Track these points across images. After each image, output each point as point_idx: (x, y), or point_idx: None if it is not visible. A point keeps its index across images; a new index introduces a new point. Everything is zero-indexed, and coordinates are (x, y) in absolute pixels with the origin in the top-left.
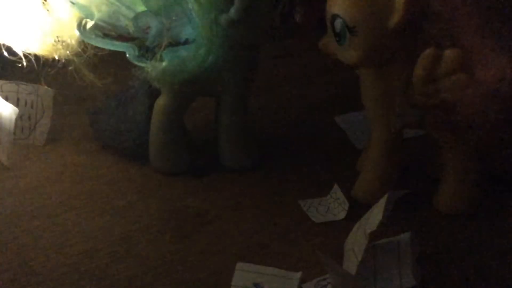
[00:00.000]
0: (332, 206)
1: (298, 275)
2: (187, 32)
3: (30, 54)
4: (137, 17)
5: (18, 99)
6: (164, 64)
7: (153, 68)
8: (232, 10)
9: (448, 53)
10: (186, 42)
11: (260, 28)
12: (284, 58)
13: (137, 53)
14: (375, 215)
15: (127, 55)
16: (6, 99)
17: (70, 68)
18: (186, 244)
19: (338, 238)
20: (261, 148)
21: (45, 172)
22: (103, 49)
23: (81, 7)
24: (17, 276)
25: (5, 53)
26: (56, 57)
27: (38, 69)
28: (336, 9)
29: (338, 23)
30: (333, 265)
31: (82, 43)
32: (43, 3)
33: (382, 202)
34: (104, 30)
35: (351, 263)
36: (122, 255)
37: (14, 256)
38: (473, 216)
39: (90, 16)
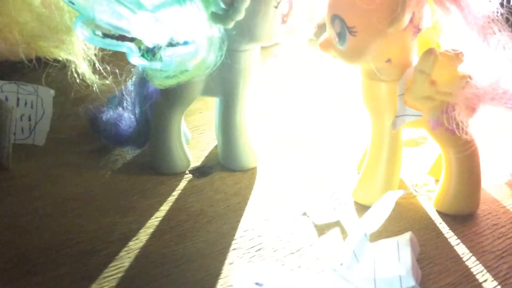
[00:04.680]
0: (332, 206)
1: (298, 275)
2: (186, 32)
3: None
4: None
5: (18, 99)
6: (164, 64)
7: (153, 68)
8: (231, 10)
9: (448, 53)
10: (185, 42)
11: (258, 29)
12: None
13: (137, 53)
14: (375, 216)
15: (127, 55)
16: (6, 99)
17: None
18: (186, 244)
19: (338, 238)
20: (260, 148)
21: (45, 172)
22: (104, 49)
23: (80, 7)
24: (17, 276)
25: None
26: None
27: (38, 70)
28: (336, 9)
29: (337, 23)
30: (334, 265)
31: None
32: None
33: (382, 202)
34: (104, 30)
35: (351, 264)
36: (122, 255)
37: (14, 256)
38: (473, 216)
39: (90, 16)
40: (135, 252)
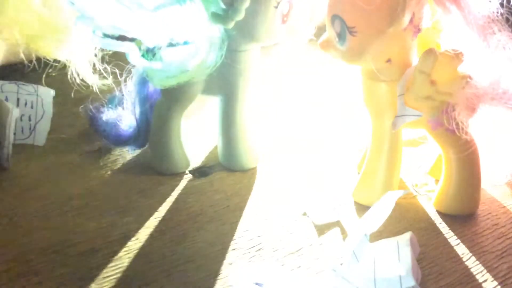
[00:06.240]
0: (332, 206)
1: (298, 275)
2: (186, 32)
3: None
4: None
5: (18, 99)
6: (164, 64)
7: (153, 68)
8: (231, 11)
9: (448, 53)
10: (185, 42)
11: (258, 29)
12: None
13: (137, 53)
14: (375, 216)
15: (127, 55)
16: (6, 99)
17: (70, 68)
18: (186, 244)
19: (338, 238)
20: (261, 148)
21: (45, 172)
22: (104, 49)
23: (80, 7)
24: (17, 276)
25: None
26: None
27: (38, 70)
28: (336, 9)
29: (338, 24)
30: (334, 265)
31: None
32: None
33: (382, 202)
34: (104, 30)
35: (351, 264)
36: (122, 255)
37: (14, 256)
38: (473, 216)
39: (90, 16)
40: (135, 252)
